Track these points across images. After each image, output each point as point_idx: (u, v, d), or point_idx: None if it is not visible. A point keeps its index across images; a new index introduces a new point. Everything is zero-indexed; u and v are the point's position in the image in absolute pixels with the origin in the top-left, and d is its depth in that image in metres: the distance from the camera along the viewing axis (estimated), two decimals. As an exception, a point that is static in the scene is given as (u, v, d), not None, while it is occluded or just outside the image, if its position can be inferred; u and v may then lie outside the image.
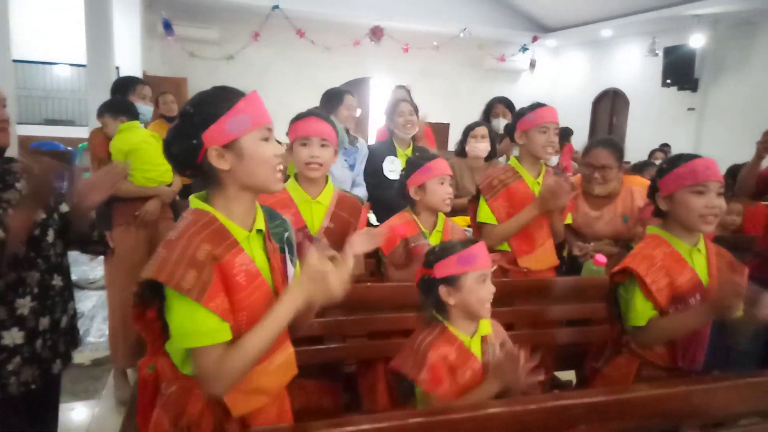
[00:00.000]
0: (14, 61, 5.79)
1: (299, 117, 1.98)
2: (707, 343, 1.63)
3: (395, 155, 3.19)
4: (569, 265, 2.75)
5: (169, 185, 2.98)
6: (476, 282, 1.48)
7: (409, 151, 3.20)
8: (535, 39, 10.54)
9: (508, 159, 2.80)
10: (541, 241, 2.34)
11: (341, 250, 1.95)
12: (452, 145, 3.93)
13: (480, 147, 3.28)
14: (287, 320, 1.16)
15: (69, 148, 7.90)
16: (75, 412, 2.79)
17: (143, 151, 2.81)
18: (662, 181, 1.67)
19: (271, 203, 1.50)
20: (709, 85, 8.32)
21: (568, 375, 2.39)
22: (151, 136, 2.89)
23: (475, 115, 4.02)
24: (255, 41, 9.11)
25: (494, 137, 3.37)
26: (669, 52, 8.54)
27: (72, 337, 1.81)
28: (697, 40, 8.11)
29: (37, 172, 1.52)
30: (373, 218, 3.05)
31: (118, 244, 2.84)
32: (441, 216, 2.19)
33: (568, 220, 2.50)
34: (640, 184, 2.60)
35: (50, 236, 1.67)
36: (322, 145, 1.91)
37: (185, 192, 2.96)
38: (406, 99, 3.44)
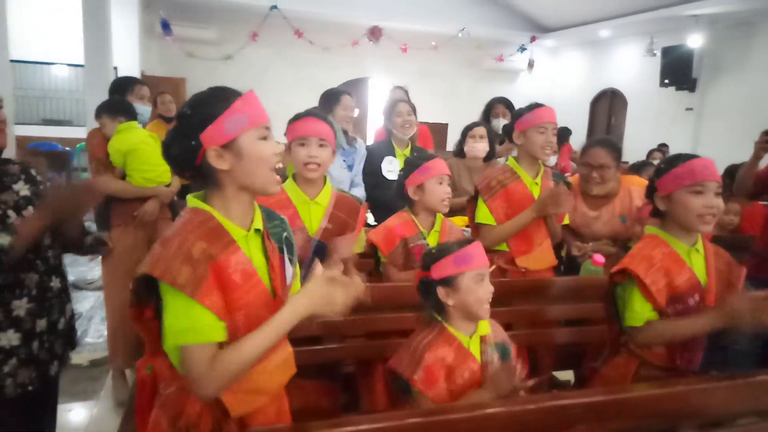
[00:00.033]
0: (12, 61, 5.79)
1: (297, 117, 1.98)
2: (705, 343, 1.63)
3: (393, 155, 3.19)
4: (567, 265, 2.75)
5: (168, 186, 2.98)
6: (474, 282, 1.48)
7: (407, 151, 3.20)
8: (533, 39, 10.56)
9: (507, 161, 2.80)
10: (539, 241, 2.34)
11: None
12: (451, 146, 3.93)
13: (478, 147, 3.28)
14: (289, 328, 1.16)
15: (67, 149, 7.90)
16: (73, 413, 2.79)
17: (141, 151, 2.80)
18: (660, 181, 1.67)
19: (270, 204, 1.50)
20: (707, 85, 8.33)
21: (567, 375, 2.39)
22: (150, 136, 2.89)
23: (474, 115, 4.02)
24: (253, 41, 9.11)
25: (493, 137, 3.37)
26: (667, 52, 8.54)
27: (69, 339, 1.81)
28: (695, 40, 8.12)
29: (67, 192, 1.54)
30: (371, 218, 3.05)
31: (117, 244, 2.84)
32: (439, 216, 2.19)
33: (566, 220, 2.51)
34: (638, 184, 2.60)
35: (47, 238, 1.67)
36: (321, 145, 1.91)
37: (184, 192, 2.95)
38: (404, 99, 3.43)
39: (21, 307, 1.59)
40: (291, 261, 1.34)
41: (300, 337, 1.62)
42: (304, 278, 1.26)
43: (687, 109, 8.59)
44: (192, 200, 1.21)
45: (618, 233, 2.57)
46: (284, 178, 1.98)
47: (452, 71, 10.95)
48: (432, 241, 2.12)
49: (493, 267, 1.88)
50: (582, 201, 2.63)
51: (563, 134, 7.67)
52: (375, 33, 9.50)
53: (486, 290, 1.49)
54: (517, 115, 2.36)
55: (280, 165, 1.24)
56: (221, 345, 1.12)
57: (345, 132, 3.04)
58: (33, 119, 8.52)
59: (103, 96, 3.07)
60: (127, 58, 8.02)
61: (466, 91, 10.83)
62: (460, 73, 11.06)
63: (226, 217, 1.18)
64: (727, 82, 8.07)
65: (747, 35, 7.75)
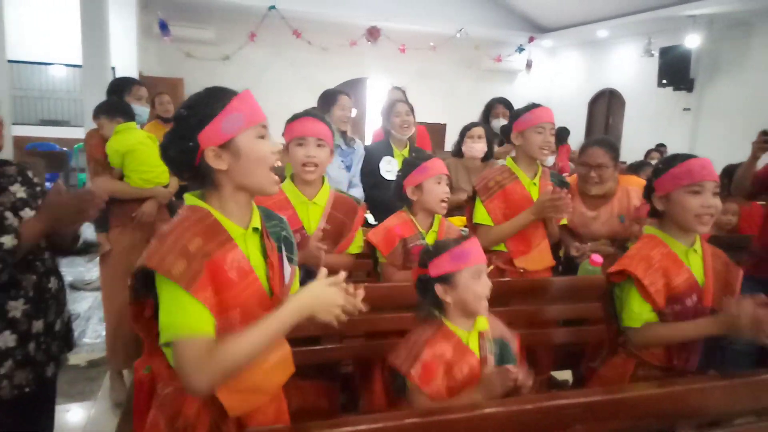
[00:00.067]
0: (9, 61, 5.79)
1: (295, 117, 1.98)
2: (703, 343, 1.63)
3: (392, 156, 3.19)
4: (565, 265, 2.75)
5: (166, 186, 2.97)
6: (471, 278, 1.48)
7: (405, 152, 3.20)
8: (531, 39, 10.57)
9: None
10: (537, 241, 2.34)
11: (335, 251, 1.95)
12: (449, 146, 3.93)
13: (477, 147, 3.28)
14: (287, 327, 1.15)
15: (65, 149, 7.89)
16: (71, 414, 2.78)
17: (140, 152, 2.80)
18: (658, 181, 1.67)
19: (269, 205, 1.50)
20: (704, 85, 8.35)
21: (565, 375, 2.39)
22: (148, 137, 2.89)
23: (472, 115, 4.02)
24: (251, 42, 9.11)
25: (491, 138, 3.37)
26: (665, 52, 8.56)
27: (66, 340, 1.80)
28: (692, 41, 8.14)
29: (69, 199, 1.53)
30: (370, 218, 3.05)
31: (115, 245, 2.84)
32: (437, 216, 2.19)
33: (564, 221, 2.51)
34: (636, 184, 2.61)
35: (43, 240, 1.66)
36: (318, 145, 1.92)
37: (182, 193, 2.94)
38: (402, 99, 3.44)
39: (17, 308, 1.58)
40: (290, 260, 1.34)
41: (299, 337, 1.62)
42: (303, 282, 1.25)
43: (684, 109, 8.61)
44: (189, 198, 1.21)
45: (616, 233, 2.57)
46: (282, 179, 1.98)
47: (450, 71, 10.96)
48: (430, 241, 2.12)
49: (491, 267, 1.88)
50: (580, 201, 2.63)
51: (562, 134, 7.68)
52: (373, 33, 9.50)
53: (484, 286, 1.50)
54: (515, 115, 2.36)
55: (279, 163, 1.24)
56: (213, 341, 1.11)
57: (343, 132, 3.05)
58: (31, 120, 8.52)
59: (101, 96, 3.06)
60: (125, 58, 8.02)
61: (464, 91, 10.84)
62: (459, 73, 11.07)
63: (224, 215, 1.19)
64: (724, 82, 8.09)
65: (744, 35, 7.76)
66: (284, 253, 1.31)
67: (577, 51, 11.14)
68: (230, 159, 1.15)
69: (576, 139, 6.87)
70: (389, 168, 3.13)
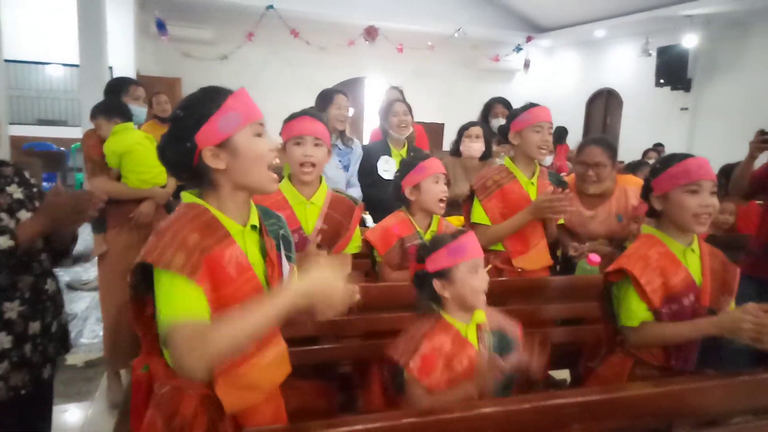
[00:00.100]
0: (6, 61, 5.77)
1: (293, 117, 1.98)
2: (700, 342, 1.63)
3: (390, 155, 3.19)
4: (563, 264, 2.75)
5: (163, 187, 2.97)
6: (469, 272, 1.49)
7: (403, 152, 3.20)
8: (529, 39, 10.57)
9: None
10: (535, 241, 2.35)
11: (333, 252, 1.95)
12: (447, 146, 3.94)
13: (474, 147, 3.28)
14: (283, 314, 1.10)
15: (62, 149, 7.88)
16: (68, 414, 2.78)
17: (137, 152, 2.79)
18: (656, 180, 1.68)
19: (266, 205, 1.50)
20: (702, 85, 8.36)
21: (563, 374, 2.39)
22: (145, 137, 2.88)
23: (470, 115, 4.02)
24: (249, 41, 9.09)
25: (489, 137, 3.37)
26: (662, 52, 8.57)
27: (63, 342, 1.80)
28: (690, 41, 8.15)
29: (67, 200, 1.52)
30: (369, 219, 3.05)
31: (112, 246, 2.84)
32: (435, 216, 2.19)
33: (561, 220, 2.51)
34: (634, 183, 2.61)
35: (40, 242, 1.66)
36: (316, 145, 1.92)
37: (179, 193, 2.94)
38: (400, 99, 3.44)
39: (13, 309, 1.58)
40: (289, 258, 1.34)
41: (296, 337, 1.62)
42: None
43: (682, 108, 8.62)
44: (187, 196, 1.21)
45: (614, 232, 2.57)
46: (280, 178, 1.98)
47: (448, 71, 10.96)
48: (429, 240, 2.13)
49: (489, 267, 1.88)
50: (578, 200, 2.63)
51: (560, 134, 7.70)
52: (371, 33, 9.49)
53: (481, 280, 1.50)
54: (512, 115, 2.36)
55: (277, 161, 1.24)
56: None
57: (341, 132, 3.04)
58: (28, 119, 8.49)
59: (99, 96, 3.06)
60: (123, 58, 8.00)
61: (462, 91, 10.84)
62: (456, 73, 11.08)
63: (223, 213, 1.19)
64: (721, 82, 8.11)
65: (741, 35, 7.78)
66: (282, 252, 1.31)
67: (575, 51, 11.15)
68: (228, 158, 1.15)
69: (574, 139, 6.88)
70: (387, 168, 3.13)
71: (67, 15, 6.11)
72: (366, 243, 2.14)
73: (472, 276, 1.49)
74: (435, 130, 8.96)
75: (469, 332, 1.52)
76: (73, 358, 3.25)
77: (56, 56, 8.27)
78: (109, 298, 2.88)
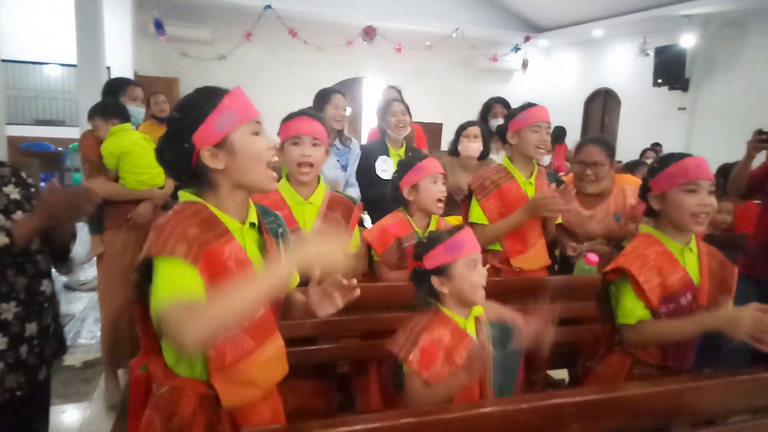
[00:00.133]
0: (4, 61, 5.77)
1: (290, 116, 1.98)
2: (698, 341, 1.63)
3: (388, 155, 3.18)
4: (561, 264, 2.75)
5: (161, 188, 2.96)
6: (467, 268, 1.49)
7: (401, 152, 3.20)
8: (527, 39, 10.57)
9: None
10: (534, 241, 2.35)
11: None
12: (445, 145, 3.93)
13: (472, 147, 3.28)
14: (279, 280, 1.08)
15: (59, 149, 7.86)
16: (66, 415, 2.77)
17: (135, 154, 2.79)
18: (654, 180, 1.68)
19: (265, 204, 1.50)
20: (699, 84, 8.37)
21: (561, 374, 2.39)
22: (143, 138, 2.87)
23: (468, 115, 4.01)
24: (247, 41, 9.08)
25: (487, 136, 3.37)
26: (660, 52, 8.58)
27: (60, 344, 1.79)
28: (687, 40, 8.16)
29: (63, 196, 1.52)
30: (367, 218, 3.05)
31: (110, 247, 2.83)
32: (434, 216, 2.19)
33: (559, 219, 2.51)
34: (631, 183, 2.61)
35: (36, 243, 1.65)
36: (314, 144, 1.91)
37: (177, 194, 2.94)
38: (397, 99, 3.43)
39: (8, 310, 1.57)
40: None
41: (295, 337, 1.62)
42: None
43: (680, 108, 8.63)
44: (184, 194, 1.21)
45: (612, 232, 2.58)
46: (279, 177, 1.98)
47: (446, 71, 10.96)
48: (426, 241, 2.12)
49: (487, 266, 1.89)
50: (576, 200, 2.64)
51: (559, 134, 7.70)
52: (369, 33, 9.48)
53: (480, 275, 1.51)
54: (510, 115, 2.36)
55: (276, 158, 1.24)
56: None
57: (339, 131, 3.04)
58: (25, 119, 8.48)
59: (96, 96, 3.05)
60: (120, 57, 7.99)
61: (460, 90, 10.84)
62: (455, 73, 11.08)
63: (221, 210, 1.19)
64: (719, 81, 8.12)
65: (739, 35, 7.79)
66: (281, 250, 1.31)
67: (573, 51, 11.16)
68: (226, 157, 1.15)
69: (572, 139, 6.88)
70: (385, 167, 3.12)
71: (65, 15, 6.10)
72: (364, 242, 2.14)
73: (471, 271, 1.49)
74: (433, 130, 8.94)
75: (467, 325, 1.53)
76: (71, 359, 3.24)
77: (54, 56, 8.25)
78: (107, 299, 2.88)
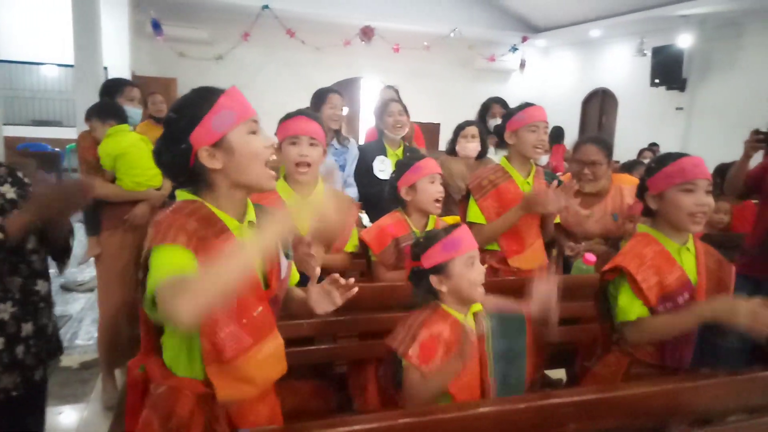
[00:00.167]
0: (1, 61, 5.76)
1: (288, 116, 1.98)
2: (695, 340, 1.64)
3: (385, 155, 3.18)
4: (558, 263, 2.75)
5: (158, 189, 2.96)
6: (465, 266, 1.49)
7: (399, 152, 3.20)
8: (524, 39, 10.59)
9: None
10: (531, 241, 2.35)
11: (331, 251, 1.95)
12: (443, 145, 3.94)
13: (470, 147, 3.28)
14: (270, 239, 1.07)
15: (57, 149, 7.85)
16: (63, 416, 2.76)
17: (132, 155, 2.78)
18: (651, 180, 1.68)
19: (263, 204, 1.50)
20: (697, 84, 8.39)
21: (559, 374, 2.39)
22: (140, 140, 2.87)
23: (466, 115, 4.01)
24: (245, 41, 9.08)
25: (485, 136, 3.37)
26: (657, 52, 8.60)
27: (57, 344, 1.78)
28: (684, 40, 8.18)
29: (56, 190, 1.51)
30: (365, 218, 3.05)
31: (107, 248, 2.82)
32: (432, 216, 2.19)
33: (557, 219, 2.52)
34: (629, 182, 2.62)
35: (32, 242, 1.64)
36: (311, 144, 1.91)
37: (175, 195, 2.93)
38: (395, 99, 3.43)
39: (5, 311, 1.57)
40: (287, 255, 1.34)
41: (292, 337, 1.61)
42: None
43: (677, 108, 8.65)
44: (182, 194, 1.21)
45: (610, 231, 2.58)
46: (278, 176, 1.97)
47: (444, 71, 10.97)
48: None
49: (485, 266, 1.88)
50: (574, 199, 2.64)
51: (558, 134, 7.70)
52: (367, 33, 9.48)
53: (478, 272, 1.51)
54: (508, 114, 2.36)
55: (274, 157, 1.24)
56: None
57: (337, 131, 3.04)
58: (22, 120, 8.46)
59: (93, 96, 3.04)
60: (118, 58, 7.98)
61: (458, 91, 10.85)
62: (453, 73, 11.08)
63: (219, 209, 1.19)
64: (716, 81, 8.13)
65: (736, 35, 7.81)
66: (280, 249, 1.31)
67: (571, 51, 11.17)
68: (224, 157, 1.15)
69: (570, 139, 6.89)
70: (383, 167, 3.13)
71: (62, 15, 6.08)
72: (361, 242, 2.14)
73: (469, 269, 1.49)
74: (431, 130, 8.95)
75: (467, 320, 1.53)
76: (68, 360, 3.24)
77: (51, 56, 8.23)
78: (105, 299, 2.87)
